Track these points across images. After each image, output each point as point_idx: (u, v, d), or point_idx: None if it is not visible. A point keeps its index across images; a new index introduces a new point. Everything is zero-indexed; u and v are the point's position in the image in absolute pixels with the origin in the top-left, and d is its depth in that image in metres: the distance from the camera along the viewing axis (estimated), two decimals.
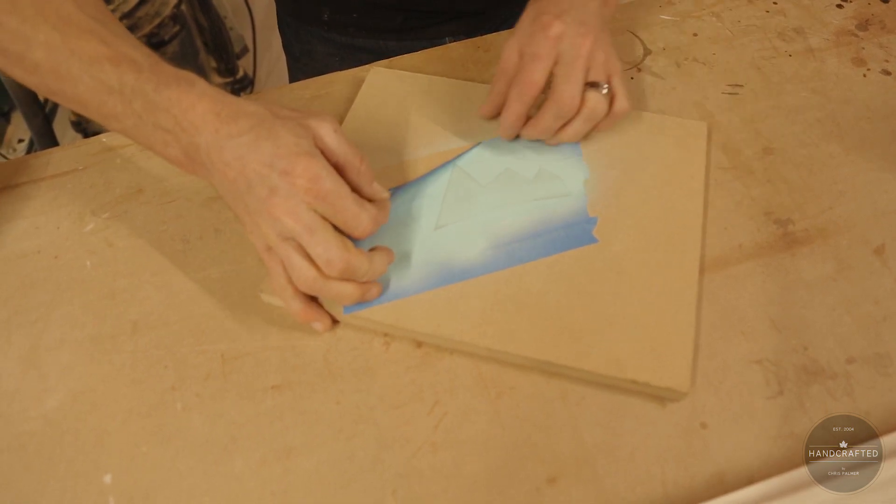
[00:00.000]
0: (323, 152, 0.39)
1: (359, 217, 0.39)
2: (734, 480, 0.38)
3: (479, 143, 0.51)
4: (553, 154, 0.51)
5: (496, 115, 0.52)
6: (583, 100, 0.46)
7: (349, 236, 0.40)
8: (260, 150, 0.37)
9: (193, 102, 0.38)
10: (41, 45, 0.39)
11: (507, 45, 0.48)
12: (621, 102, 0.48)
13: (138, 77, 0.39)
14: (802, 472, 0.37)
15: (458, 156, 0.51)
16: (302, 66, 0.78)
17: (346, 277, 0.40)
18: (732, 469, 0.39)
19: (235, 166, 0.38)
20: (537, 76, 0.45)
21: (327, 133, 0.40)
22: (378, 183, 0.43)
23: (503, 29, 0.74)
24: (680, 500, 0.38)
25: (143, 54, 0.40)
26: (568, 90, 0.45)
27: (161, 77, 0.39)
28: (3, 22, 0.39)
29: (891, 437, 0.38)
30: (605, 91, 0.47)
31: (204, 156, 0.39)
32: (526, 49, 0.46)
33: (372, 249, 0.43)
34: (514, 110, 0.47)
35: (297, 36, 0.76)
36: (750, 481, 0.37)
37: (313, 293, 0.42)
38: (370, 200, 0.42)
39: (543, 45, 0.45)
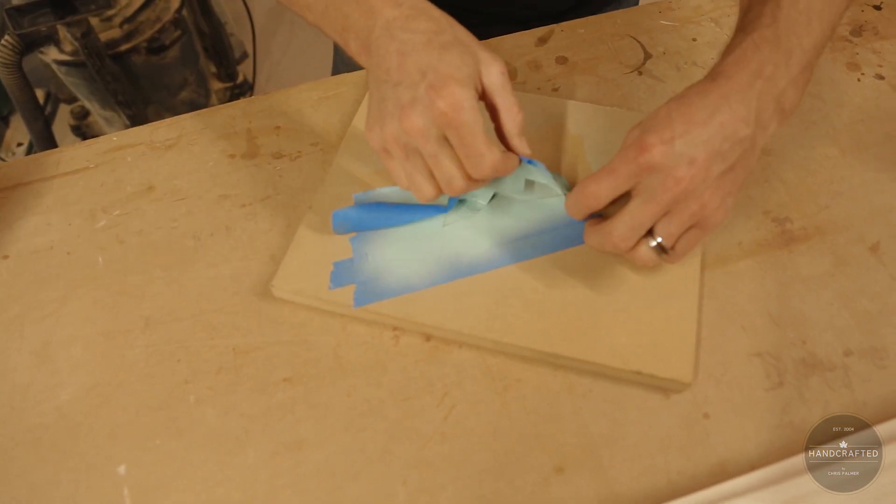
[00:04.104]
0: (485, 89, 0.40)
1: (482, 157, 0.38)
2: (735, 469, 0.39)
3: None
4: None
5: None
6: (634, 245, 0.40)
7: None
8: (423, 54, 0.37)
9: None
10: None
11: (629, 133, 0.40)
12: (672, 257, 0.41)
13: None
14: (800, 458, 0.38)
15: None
16: (342, 54, 0.79)
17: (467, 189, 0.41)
18: (734, 458, 0.40)
19: (395, 59, 0.38)
20: (602, 192, 0.39)
21: (495, 73, 0.39)
22: (523, 139, 0.42)
23: None
24: (683, 487, 0.39)
25: None
26: (619, 230, 0.39)
27: None
28: None
29: (887, 424, 0.39)
30: (654, 244, 0.40)
31: (374, 39, 0.39)
32: (616, 159, 0.39)
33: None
34: (571, 212, 0.42)
35: None
36: (751, 469, 0.38)
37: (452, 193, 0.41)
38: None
39: (627, 166, 0.38)
